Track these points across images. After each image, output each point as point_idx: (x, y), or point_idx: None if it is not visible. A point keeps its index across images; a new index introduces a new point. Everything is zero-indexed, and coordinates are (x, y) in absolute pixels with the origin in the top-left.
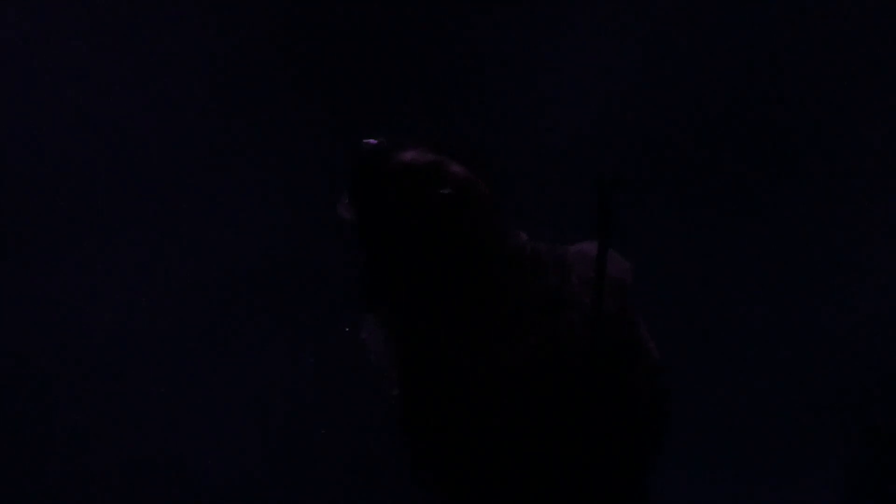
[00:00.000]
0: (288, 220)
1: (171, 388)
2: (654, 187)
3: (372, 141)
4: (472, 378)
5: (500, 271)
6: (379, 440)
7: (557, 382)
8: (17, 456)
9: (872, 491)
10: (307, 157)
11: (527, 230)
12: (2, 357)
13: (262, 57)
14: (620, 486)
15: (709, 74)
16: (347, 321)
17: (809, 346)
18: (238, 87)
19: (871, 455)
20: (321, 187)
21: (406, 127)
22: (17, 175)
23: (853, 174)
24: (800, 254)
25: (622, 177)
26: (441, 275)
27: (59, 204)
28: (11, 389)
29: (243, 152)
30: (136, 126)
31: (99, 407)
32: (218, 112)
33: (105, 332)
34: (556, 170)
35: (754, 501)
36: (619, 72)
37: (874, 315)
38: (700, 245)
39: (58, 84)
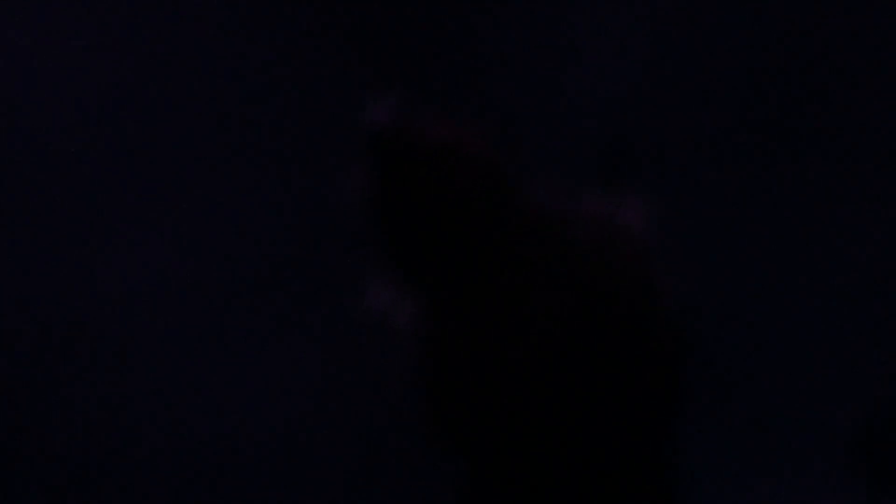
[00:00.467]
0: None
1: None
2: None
3: (387, 102)
4: (492, 334)
5: (520, 232)
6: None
7: (576, 342)
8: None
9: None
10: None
11: (547, 189)
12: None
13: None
14: (636, 450)
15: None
16: (352, 288)
17: (810, 346)
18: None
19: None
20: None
21: (423, 91)
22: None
23: (854, 174)
24: (800, 253)
25: (631, 144)
26: (459, 240)
27: (57, 202)
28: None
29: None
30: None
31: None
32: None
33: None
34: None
35: (756, 499)
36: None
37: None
38: (699, 240)
39: (57, 82)
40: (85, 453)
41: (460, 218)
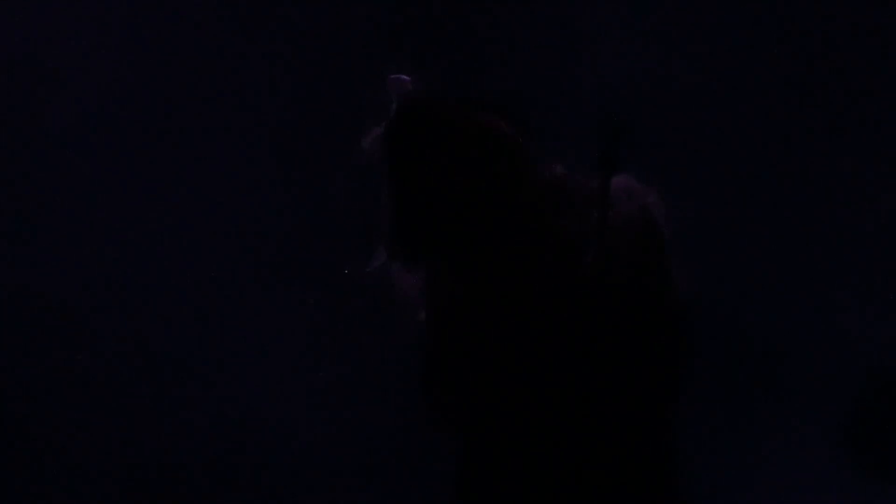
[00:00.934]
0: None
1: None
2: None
3: (404, 77)
4: (497, 309)
5: (534, 207)
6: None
7: (582, 318)
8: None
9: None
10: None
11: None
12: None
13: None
14: (637, 426)
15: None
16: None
17: (809, 346)
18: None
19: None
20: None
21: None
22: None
23: (854, 174)
24: (799, 252)
25: (627, 125)
26: (473, 216)
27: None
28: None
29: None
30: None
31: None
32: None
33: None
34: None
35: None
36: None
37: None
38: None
39: (57, 82)
40: (85, 452)
41: (479, 195)
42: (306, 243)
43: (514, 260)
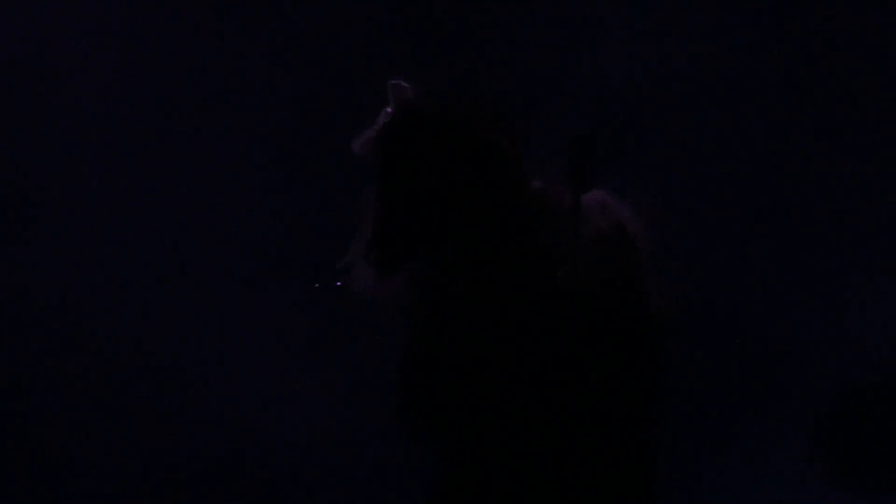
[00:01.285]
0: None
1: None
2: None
3: (404, 84)
4: (478, 322)
5: (518, 221)
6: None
7: (559, 335)
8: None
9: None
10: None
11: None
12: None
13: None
14: (615, 436)
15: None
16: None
17: (809, 346)
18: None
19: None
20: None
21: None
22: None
23: (854, 173)
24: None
25: (599, 134)
26: (457, 228)
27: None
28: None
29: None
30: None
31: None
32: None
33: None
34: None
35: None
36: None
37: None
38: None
39: (56, 82)
40: (84, 452)
41: (465, 208)
42: (306, 243)
43: (493, 273)
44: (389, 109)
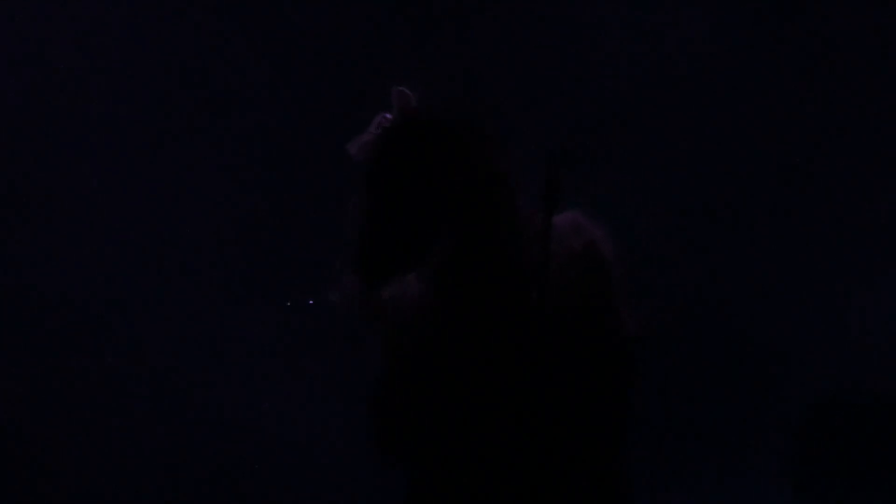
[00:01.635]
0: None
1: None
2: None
3: (408, 92)
4: (452, 344)
5: (502, 241)
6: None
7: (531, 355)
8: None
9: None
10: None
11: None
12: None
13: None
14: (587, 454)
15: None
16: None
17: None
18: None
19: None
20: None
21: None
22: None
23: (853, 174)
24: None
25: (571, 151)
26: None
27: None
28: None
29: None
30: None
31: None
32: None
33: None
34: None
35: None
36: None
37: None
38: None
39: (56, 82)
40: (84, 452)
41: (453, 224)
42: (307, 243)
43: (468, 292)
44: (389, 115)
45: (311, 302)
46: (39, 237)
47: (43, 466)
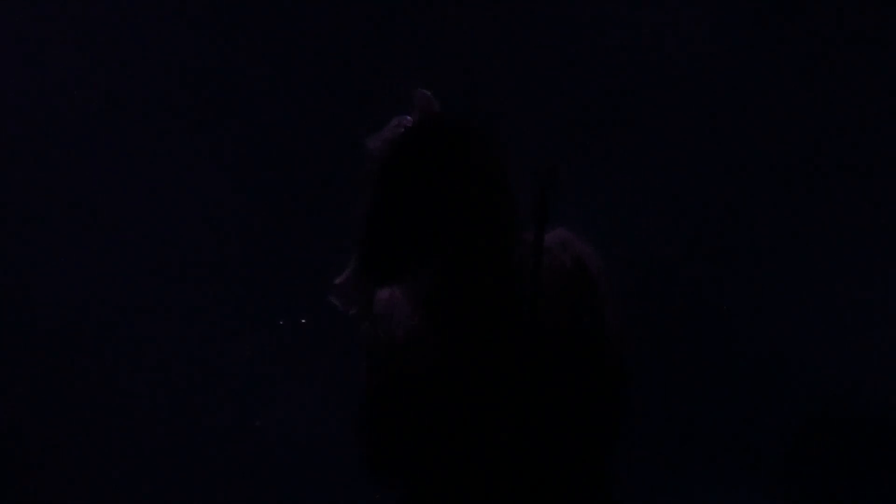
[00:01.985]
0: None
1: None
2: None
3: (431, 95)
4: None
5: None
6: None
7: (521, 370)
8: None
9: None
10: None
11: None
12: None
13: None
14: (578, 470)
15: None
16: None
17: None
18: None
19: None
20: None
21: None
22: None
23: (853, 174)
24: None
25: (559, 168)
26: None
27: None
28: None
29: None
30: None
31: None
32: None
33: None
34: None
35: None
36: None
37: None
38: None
39: (56, 82)
40: (85, 452)
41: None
42: (307, 242)
43: (465, 306)
44: (409, 117)
45: (303, 321)
46: (39, 237)
47: (43, 466)
